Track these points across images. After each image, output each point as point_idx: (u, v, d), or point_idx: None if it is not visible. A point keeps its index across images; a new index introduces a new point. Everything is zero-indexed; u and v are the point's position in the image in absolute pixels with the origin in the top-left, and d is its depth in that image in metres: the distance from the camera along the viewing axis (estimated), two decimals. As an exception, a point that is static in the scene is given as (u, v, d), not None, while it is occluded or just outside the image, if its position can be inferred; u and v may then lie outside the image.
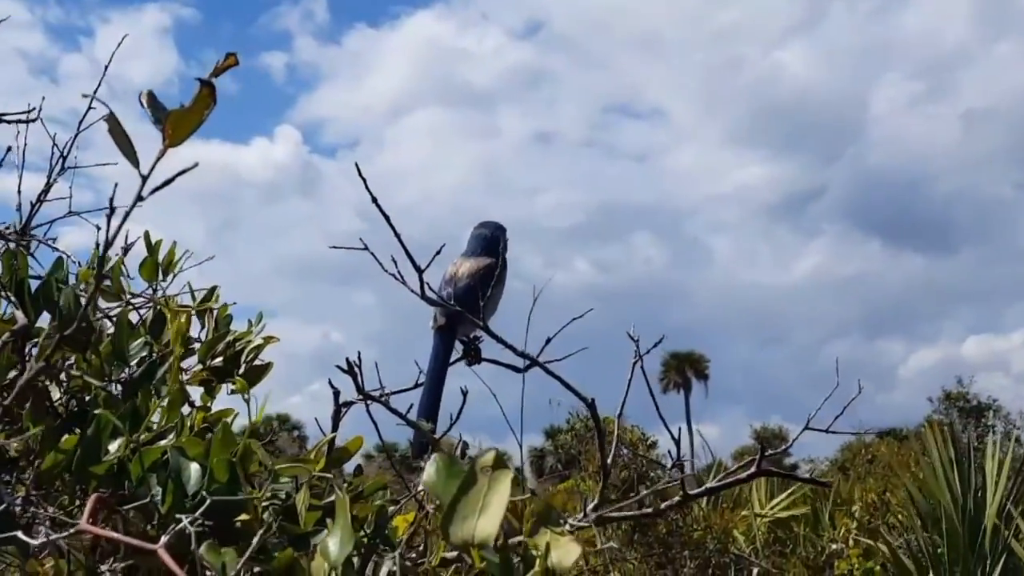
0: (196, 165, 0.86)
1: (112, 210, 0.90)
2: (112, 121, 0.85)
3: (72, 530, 0.94)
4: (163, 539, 0.94)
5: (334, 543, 1.00)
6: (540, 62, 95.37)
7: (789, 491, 7.26)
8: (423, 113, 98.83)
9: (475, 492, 0.89)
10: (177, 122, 0.85)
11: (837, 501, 7.56)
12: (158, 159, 0.86)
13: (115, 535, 0.95)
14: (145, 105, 0.86)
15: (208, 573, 0.97)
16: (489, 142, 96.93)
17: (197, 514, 1.00)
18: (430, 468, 0.96)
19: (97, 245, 1.76)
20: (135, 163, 0.85)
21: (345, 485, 1.36)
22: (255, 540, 0.96)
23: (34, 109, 1.53)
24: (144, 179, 0.86)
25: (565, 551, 0.93)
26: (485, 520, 0.88)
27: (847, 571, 5.53)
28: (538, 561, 0.92)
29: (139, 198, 0.87)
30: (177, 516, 1.01)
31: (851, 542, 6.12)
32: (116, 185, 0.88)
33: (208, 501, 1.03)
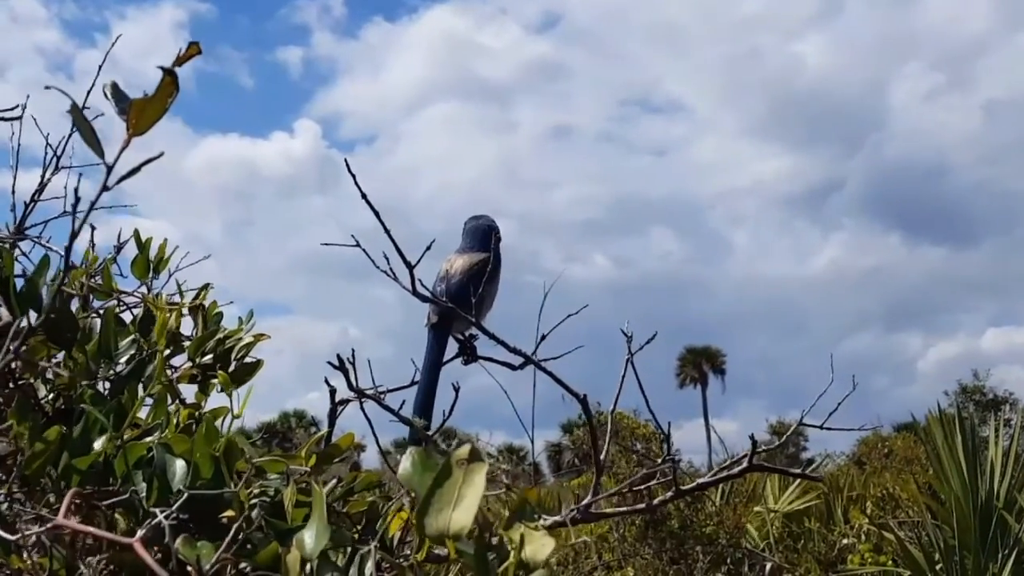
0: (162, 154, 0.87)
1: (76, 200, 0.91)
2: (75, 111, 0.86)
3: (49, 524, 0.94)
4: (139, 533, 0.94)
5: (310, 535, 1.00)
6: (557, 55, 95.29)
7: (802, 486, 7.24)
8: (440, 107, 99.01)
9: (450, 484, 0.91)
10: (140, 111, 0.86)
11: (851, 496, 7.54)
12: (123, 148, 0.87)
13: (91, 529, 0.95)
14: (109, 95, 0.87)
15: (189, 569, 0.97)
16: (506, 136, 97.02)
17: (174, 508, 1.00)
18: (405, 461, 0.98)
19: (93, 244, 1.78)
20: (99, 153, 0.87)
21: (337, 482, 1.36)
22: (232, 533, 0.96)
23: (18, 106, 1.54)
24: (109, 169, 0.87)
25: (539, 545, 0.94)
26: (460, 512, 0.89)
27: (858, 565, 5.50)
28: (512, 553, 0.93)
29: (104, 188, 0.88)
30: (152, 510, 1.02)
31: (863, 536, 6.09)
32: (80, 176, 0.90)
33: (185, 495, 1.03)
